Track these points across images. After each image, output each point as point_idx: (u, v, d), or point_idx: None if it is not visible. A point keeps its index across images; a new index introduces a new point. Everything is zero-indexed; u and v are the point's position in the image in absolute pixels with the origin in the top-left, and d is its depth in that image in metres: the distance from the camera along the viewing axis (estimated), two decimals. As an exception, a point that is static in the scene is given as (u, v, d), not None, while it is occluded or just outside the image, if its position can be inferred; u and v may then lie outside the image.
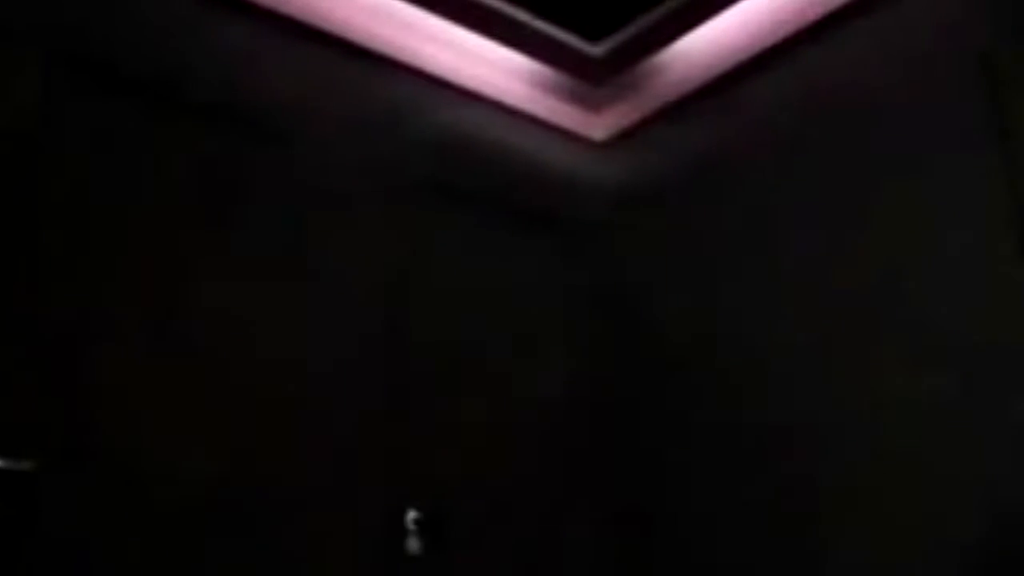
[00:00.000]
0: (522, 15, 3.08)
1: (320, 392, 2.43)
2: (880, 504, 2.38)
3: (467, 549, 2.57)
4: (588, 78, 3.30)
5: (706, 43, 3.05)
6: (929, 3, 2.54)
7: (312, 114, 2.65)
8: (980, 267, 2.30)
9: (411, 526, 2.45)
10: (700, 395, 2.89)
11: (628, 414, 3.10)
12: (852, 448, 2.47)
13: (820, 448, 2.54)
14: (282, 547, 2.25)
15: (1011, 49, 2.33)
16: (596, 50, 3.32)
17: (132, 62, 2.34)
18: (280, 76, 2.61)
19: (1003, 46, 2.35)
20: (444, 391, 2.69)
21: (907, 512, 2.33)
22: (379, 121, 2.79)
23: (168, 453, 2.15)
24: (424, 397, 2.64)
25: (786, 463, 2.61)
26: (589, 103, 3.33)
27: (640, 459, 3.00)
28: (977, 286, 2.30)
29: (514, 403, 2.86)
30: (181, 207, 2.33)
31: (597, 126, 3.39)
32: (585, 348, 3.12)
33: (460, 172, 2.95)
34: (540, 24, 3.15)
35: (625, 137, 3.35)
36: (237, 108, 2.51)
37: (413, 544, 2.42)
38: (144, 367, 2.17)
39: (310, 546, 2.30)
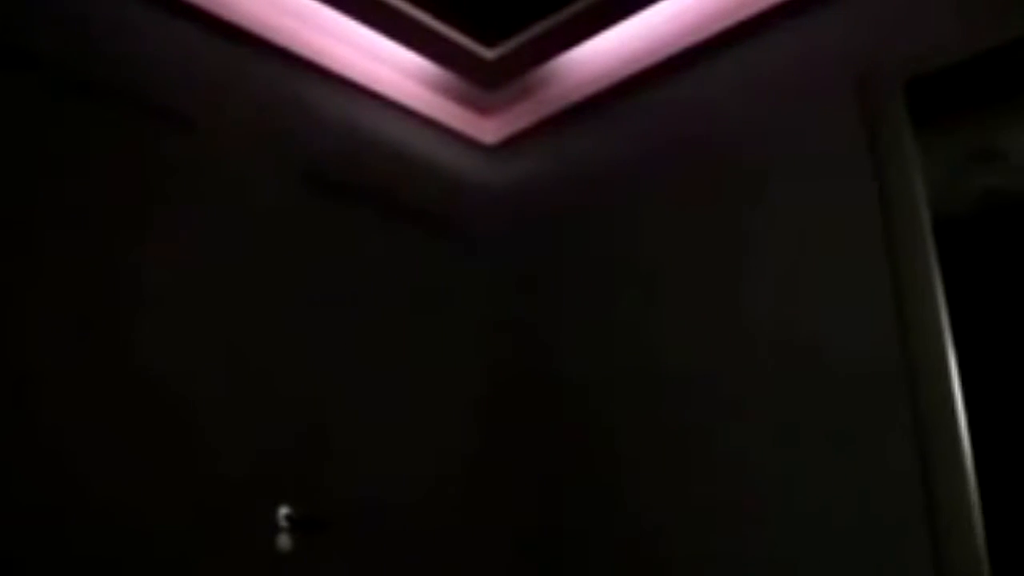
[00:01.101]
0: (419, 14, 3.05)
1: (200, 387, 2.36)
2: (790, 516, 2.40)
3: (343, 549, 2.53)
4: (481, 81, 3.28)
5: (600, 54, 3.08)
6: (816, 26, 2.62)
7: (210, 101, 2.59)
8: (859, 291, 2.38)
9: (283, 522, 2.40)
10: (595, 419, 2.89)
11: (525, 437, 3.09)
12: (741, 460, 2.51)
13: (718, 461, 2.57)
14: (153, 542, 2.18)
15: (889, 75, 2.41)
16: (490, 54, 3.29)
17: (35, 40, 2.25)
18: (179, 61, 2.55)
19: (882, 72, 2.43)
20: (330, 389, 2.64)
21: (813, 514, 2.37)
22: (274, 112, 2.75)
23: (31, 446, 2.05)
24: (308, 394, 2.59)
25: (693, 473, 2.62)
26: (481, 106, 3.32)
27: (540, 483, 2.99)
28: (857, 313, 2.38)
29: (397, 402, 2.83)
30: (82, 193, 2.24)
31: (488, 130, 3.38)
32: (473, 351, 3.11)
33: (350, 166, 2.91)
34: (436, 24, 3.12)
35: (514, 142, 3.37)
36: (134, 90, 2.44)
37: (284, 541, 2.37)
38: (50, 355, 2.07)
39: (182, 542, 2.23)
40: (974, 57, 2.27)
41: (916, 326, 2.19)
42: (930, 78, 2.34)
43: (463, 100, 3.28)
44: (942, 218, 2.24)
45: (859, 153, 2.43)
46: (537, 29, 3.16)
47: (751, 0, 2.71)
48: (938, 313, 2.16)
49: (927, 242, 2.23)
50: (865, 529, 2.19)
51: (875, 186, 2.37)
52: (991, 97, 2.24)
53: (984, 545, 1.97)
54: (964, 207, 2.23)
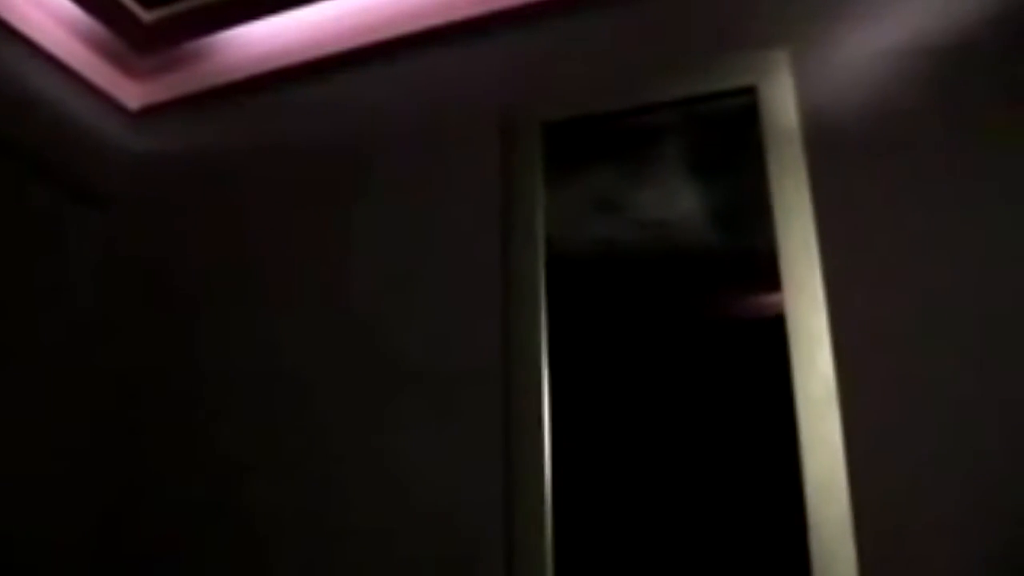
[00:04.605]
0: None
1: None
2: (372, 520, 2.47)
3: None
4: (134, 43, 3.10)
5: (259, 39, 3.02)
6: (470, 55, 2.76)
7: None
8: (470, 310, 2.51)
9: None
10: (212, 409, 2.81)
11: (134, 430, 2.92)
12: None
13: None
14: None
15: (527, 115, 2.58)
16: (147, 16, 3.12)
17: None
18: None
19: (521, 111, 2.59)
20: None
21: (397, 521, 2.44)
22: None
23: None
24: None
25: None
26: (129, 68, 3.13)
27: (136, 480, 2.85)
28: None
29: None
30: None
31: (132, 94, 3.19)
32: (89, 319, 2.89)
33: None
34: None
35: (158, 112, 3.21)
36: None
37: None
38: None
39: None
40: (607, 113, 2.49)
41: (518, 351, 2.36)
42: (566, 125, 2.53)
43: (111, 58, 3.06)
44: (560, 256, 2.42)
45: (492, 184, 2.58)
46: (200, 0, 3.06)
47: (421, 15, 2.80)
48: (539, 337, 2.33)
49: (539, 275, 2.40)
50: (450, 501, 2.33)
51: (500, 217, 2.52)
52: (618, 153, 2.45)
53: (552, 544, 2.16)
54: (581, 250, 2.41)
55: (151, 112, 3.20)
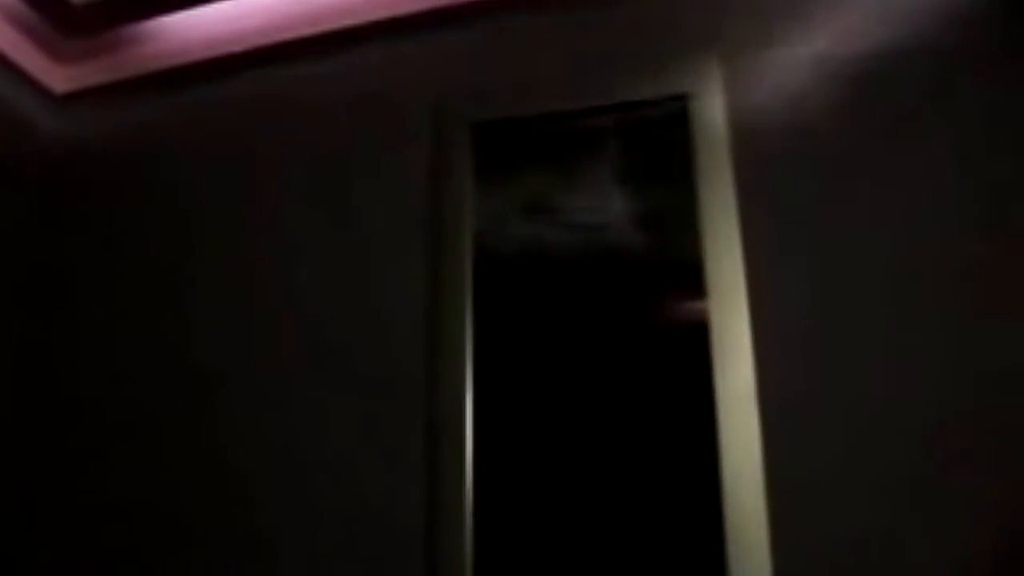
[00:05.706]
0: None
1: None
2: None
3: None
4: (62, 26, 3.02)
5: (192, 27, 2.97)
6: (404, 50, 2.75)
7: None
8: (395, 306, 2.50)
9: None
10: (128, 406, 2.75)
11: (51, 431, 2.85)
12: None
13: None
14: None
15: (458, 113, 2.57)
16: (77, -1, 3.03)
17: None
18: None
19: (452, 108, 2.58)
20: None
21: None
22: None
23: None
24: None
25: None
26: (57, 52, 3.06)
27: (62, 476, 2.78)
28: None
29: None
30: None
31: (59, 78, 3.12)
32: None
33: None
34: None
35: (84, 98, 3.14)
36: None
37: None
38: None
39: None
40: (538, 116, 2.49)
41: (444, 351, 2.35)
42: (496, 126, 2.52)
43: (37, 40, 2.98)
44: (488, 257, 2.42)
45: (421, 184, 2.57)
46: (132, -14, 2.99)
47: (352, 11, 2.78)
48: (465, 338, 2.34)
49: (466, 276, 2.40)
50: (372, 503, 2.32)
51: (428, 217, 2.52)
52: (549, 156, 2.46)
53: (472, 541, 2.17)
54: (510, 251, 2.41)
55: (78, 97, 3.13)
